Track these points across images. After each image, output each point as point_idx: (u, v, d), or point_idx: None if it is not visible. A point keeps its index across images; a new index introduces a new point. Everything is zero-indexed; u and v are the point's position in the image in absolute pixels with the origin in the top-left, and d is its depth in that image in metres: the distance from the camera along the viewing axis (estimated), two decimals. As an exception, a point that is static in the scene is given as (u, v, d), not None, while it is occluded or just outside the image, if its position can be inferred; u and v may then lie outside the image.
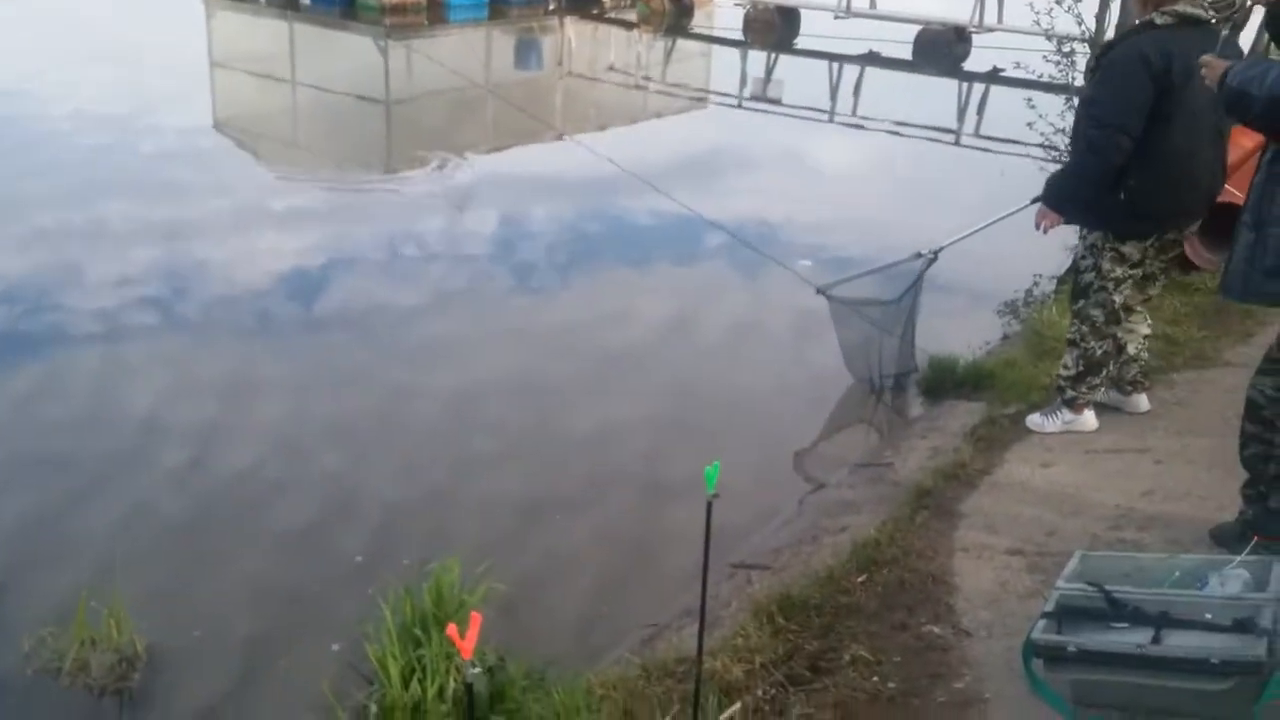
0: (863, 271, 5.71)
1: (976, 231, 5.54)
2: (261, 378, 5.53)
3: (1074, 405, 4.41)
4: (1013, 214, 5.20)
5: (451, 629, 2.02)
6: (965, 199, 9.67)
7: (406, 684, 2.87)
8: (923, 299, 5.91)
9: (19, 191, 8.18)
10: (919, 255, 5.54)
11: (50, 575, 3.80)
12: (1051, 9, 7.60)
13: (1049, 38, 7.85)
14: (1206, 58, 3.16)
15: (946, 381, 5.41)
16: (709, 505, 2.47)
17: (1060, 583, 2.71)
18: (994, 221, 5.40)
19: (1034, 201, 4.55)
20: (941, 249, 5.53)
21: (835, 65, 17.09)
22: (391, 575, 3.58)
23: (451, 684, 2.85)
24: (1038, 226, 4.34)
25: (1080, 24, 7.74)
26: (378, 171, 10.17)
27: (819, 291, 5.50)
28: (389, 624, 3.04)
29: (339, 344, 6.03)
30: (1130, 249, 4.11)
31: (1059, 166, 5.88)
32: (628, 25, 20.22)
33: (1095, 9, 7.78)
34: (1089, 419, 4.42)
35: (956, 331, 6.34)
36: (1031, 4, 7.85)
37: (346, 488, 4.52)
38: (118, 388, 5.32)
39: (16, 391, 5.21)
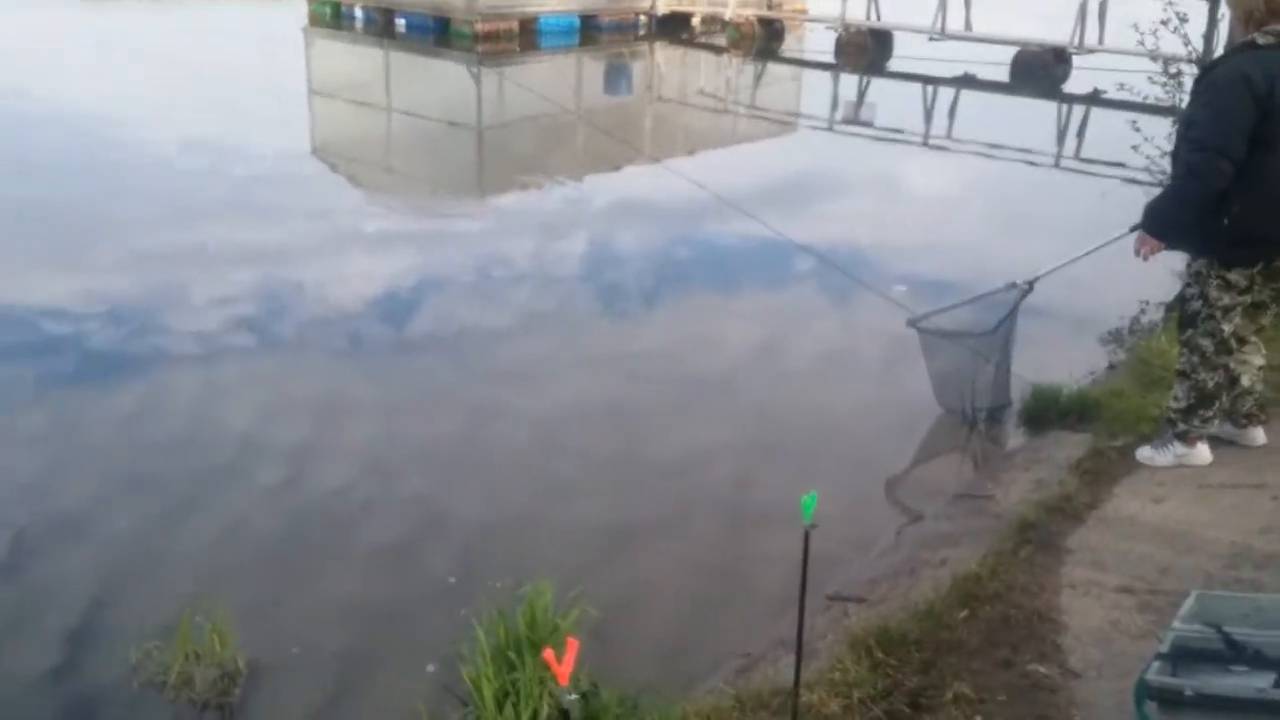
0: (955, 303, 5.56)
1: (1074, 261, 5.37)
2: (354, 398, 5.61)
3: (1186, 438, 4.23)
4: (1112, 242, 5.03)
5: (548, 654, 2.00)
6: (1064, 223, 9.44)
7: (500, 707, 2.86)
8: (1022, 325, 5.76)
9: (122, 214, 8.49)
10: (1013, 285, 5.37)
11: (153, 589, 3.89)
12: (1157, 30, 7.38)
13: (1154, 59, 7.63)
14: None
15: (1049, 411, 5.23)
16: (806, 535, 2.42)
17: (1176, 623, 2.58)
18: (1092, 250, 5.20)
19: (1134, 229, 4.41)
20: (1037, 279, 5.36)
21: (929, 88, 16.91)
22: (483, 596, 3.58)
23: (545, 709, 2.83)
24: (1137, 253, 4.20)
25: (1187, 45, 7.50)
26: (469, 196, 10.34)
27: (910, 324, 5.38)
28: (483, 646, 3.03)
29: (429, 366, 6.10)
30: (1237, 276, 3.94)
31: (1159, 191, 5.70)
32: (717, 50, 20.28)
33: (1203, 29, 7.54)
34: (1203, 453, 4.23)
35: (1058, 359, 6.16)
36: (1136, 25, 7.64)
37: (437, 508, 4.55)
38: (215, 407, 5.43)
39: (119, 410, 5.34)
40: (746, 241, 8.46)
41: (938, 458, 5.35)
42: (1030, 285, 5.30)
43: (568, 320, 6.92)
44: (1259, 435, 4.32)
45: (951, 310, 5.42)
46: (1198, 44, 7.54)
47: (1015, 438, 5.34)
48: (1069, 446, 4.83)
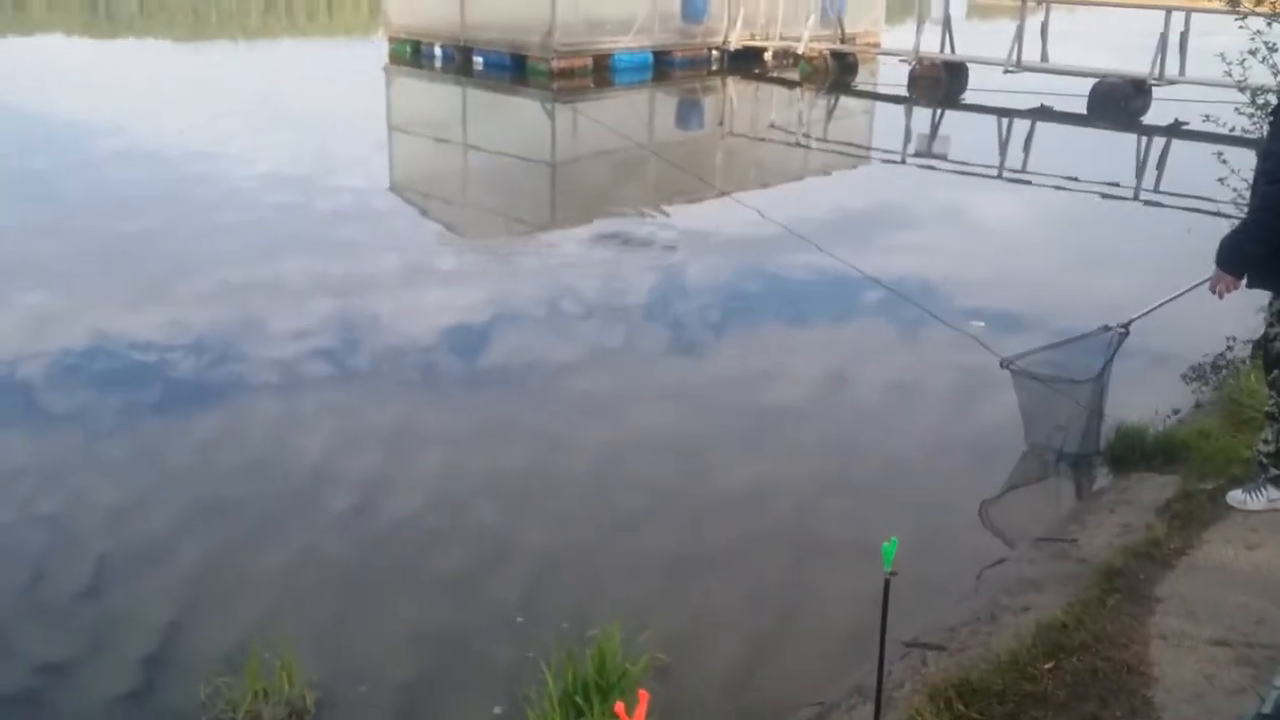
0: (1049, 345, 5.41)
1: (1170, 301, 5.21)
2: (425, 429, 5.67)
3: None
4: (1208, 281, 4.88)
5: (619, 709, 1.97)
6: (1146, 258, 9.22)
7: (568, 752, 2.84)
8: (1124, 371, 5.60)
9: (208, 248, 8.72)
10: (1107, 328, 5.23)
11: (225, 617, 3.94)
12: (1244, 59, 7.18)
13: (1241, 89, 7.41)
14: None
15: (1134, 452, 5.07)
16: (886, 583, 2.36)
17: (1278, 681, 2.46)
18: (1188, 290, 5.05)
19: None
20: (1133, 321, 5.21)
21: (1004, 120, 16.69)
22: (551, 636, 3.57)
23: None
24: (1213, 290, 4.08)
25: (1276, 75, 7.28)
26: (542, 230, 10.43)
27: (1004, 365, 5.26)
28: (550, 690, 3.01)
29: (499, 397, 6.14)
30: None
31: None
32: (790, 84, 20.28)
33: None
34: (1299, 497, 4.07)
35: (1142, 398, 5.98)
36: (1223, 55, 7.44)
37: (506, 543, 4.54)
38: (291, 436, 5.51)
39: (199, 439, 5.44)
40: (817, 274, 8.39)
41: (1018, 498, 5.21)
42: (1126, 329, 5.15)
43: (637, 353, 6.90)
44: (1356, 479, 4.14)
45: (1045, 352, 5.28)
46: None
47: (1099, 479, 5.18)
48: (1156, 489, 4.67)
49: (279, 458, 5.29)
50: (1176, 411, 6.01)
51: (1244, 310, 7.40)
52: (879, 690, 2.42)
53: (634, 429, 5.72)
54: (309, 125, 14.46)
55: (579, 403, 6.07)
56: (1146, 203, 12.08)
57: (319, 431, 5.56)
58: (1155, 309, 5.20)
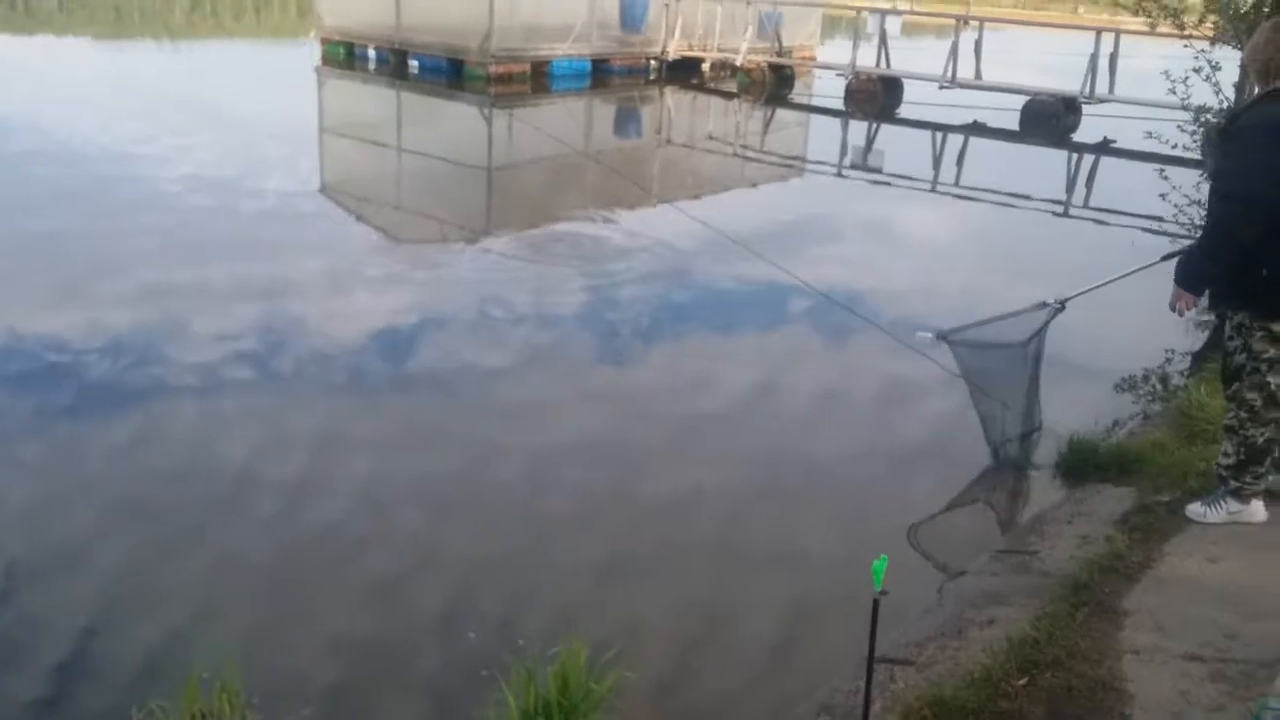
0: (986, 319, 5.42)
1: (1106, 284, 5.27)
2: (354, 434, 5.46)
3: (1240, 495, 4.05)
4: (1144, 269, 4.94)
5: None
6: (1077, 270, 9.32)
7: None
8: (1053, 374, 5.64)
9: (128, 249, 8.35)
10: (1044, 304, 5.28)
11: (147, 630, 3.72)
12: (1187, 77, 7.29)
13: (1185, 108, 7.52)
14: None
15: (1088, 463, 5.04)
16: (875, 604, 2.23)
17: (1273, 702, 2.38)
18: (1124, 275, 5.14)
19: (1165, 258, 4.30)
20: (1069, 299, 5.25)
21: (939, 134, 16.89)
22: (505, 652, 3.39)
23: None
24: (1173, 308, 4.09)
25: (1218, 93, 7.40)
26: (476, 235, 10.20)
27: (940, 337, 5.25)
28: (512, 710, 2.82)
29: (429, 402, 5.98)
30: None
31: (1189, 242, 5.60)
32: (727, 95, 20.32)
33: (1234, 78, 7.45)
34: (1257, 510, 4.05)
35: (1088, 409, 6.00)
36: (1167, 73, 7.54)
37: (442, 551, 4.39)
38: (214, 440, 5.29)
39: (117, 442, 5.23)
40: (753, 282, 8.31)
41: (973, 509, 5.15)
42: (1062, 304, 5.22)
43: (569, 359, 6.74)
44: (1315, 491, 4.14)
45: (983, 325, 5.30)
46: (1229, 94, 7.44)
47: (1053, 489, 5.13)
48: (1112, 501, 4.64)
49: (201, 462, 5.05)
50: (1118, 423, 6.04)
51: (1183, 323, 7.57)
52: (866, 713, 2.29)
53: (564, 434, 5.57)
54: (237, 126, 14.02)
55: (508, 409, 5.89)
56: (1075, 216, 12.28)
57: (243, 436, 5.34)
58: (1094, 289, 5.25)
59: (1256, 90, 3.98)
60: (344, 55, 20.97)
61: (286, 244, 8.85)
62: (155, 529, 4.42)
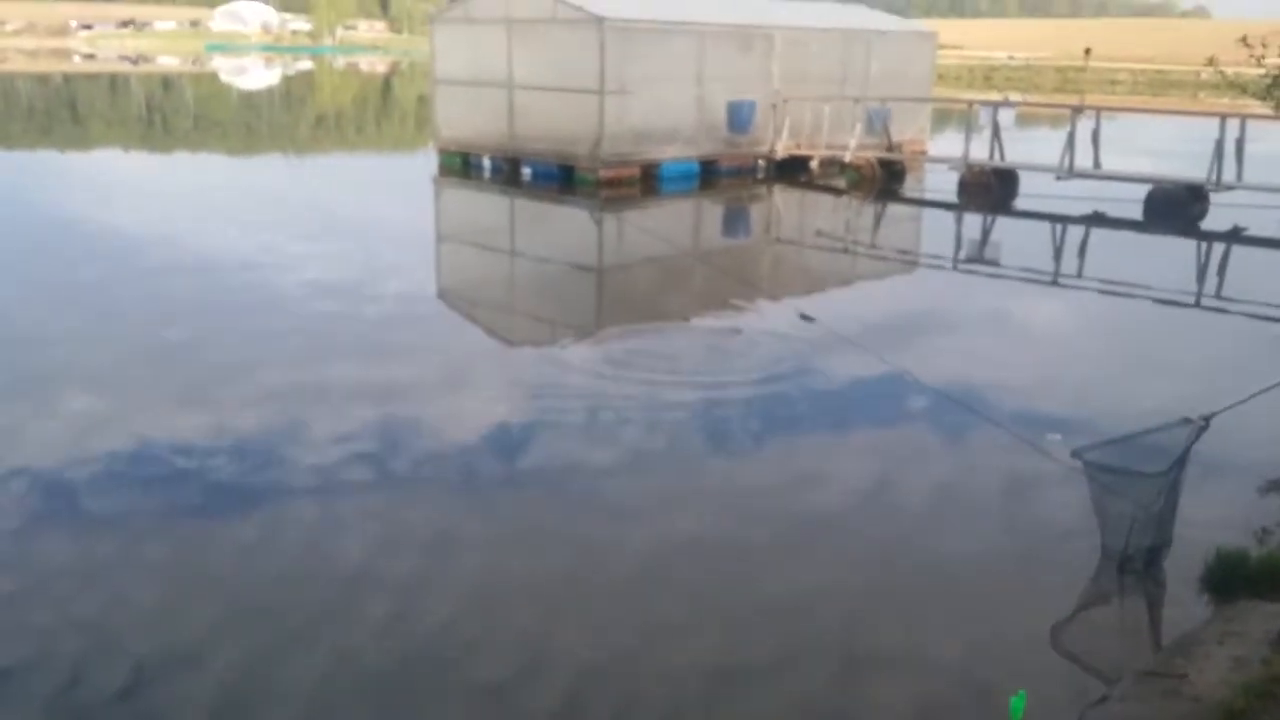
0: (1124, 436, 5.09)
1: (1254, 397, 4.89)
2: (461, 536, 5.52)
3: None
4: None
5: None
6: (1208, 364, 8.85)
7: None
8: (1192, 477, 5.27)
9: (255, 355, 8.69)
10: (1187, 421, 4.91)
11: None
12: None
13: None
14: None
15: (1237, 575, 4.65)
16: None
17: None
18: (1273, 386, 4.75)
19: None
20: (1214, 415, 4.88)
21: (1058, 226, 16.46)
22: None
23: None
24: None
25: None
26: (588, 336, 10.26)
27: (1075, 455, 4.95)
28: None
29: (540, 503, 6.00)
30: None
31: None
32: (836, 191, 20.29)
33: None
34: None
35: (1233, 515, 5.58)
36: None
37: (547, 653, 4.30)
38: (330, 542, 5.43)
39: (239, 543, 5.42)
40: (870, 381, 8.09)
41: (1111, 627, 4.78)
42: (1206, 422, 4.83)
43: (685, 459, 6.66)
44: None
45: (1120, 443, 4.96)
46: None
47: (1198, 606, 4.73)
48: (1266, 619, 4.25)
49: (318, 563, 5.19)
50: (1268, 532, 5.57)
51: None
52: None
53: (680, 536, 5.51)
54: (358, 235, 14.59)
55: (621, 509, 5.88)
56: (1208, 308, 11.69)
57: (356, 537, 5.47)
58: (1242, 402, 4.87)
59: None
60: (460, 165, 21.74)
61: (402, 347, 9.08)
62: (274, 629, 4.55)
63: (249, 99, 47.86)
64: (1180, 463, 4.92)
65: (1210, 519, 5.43)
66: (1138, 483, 4.91)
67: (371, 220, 15.80)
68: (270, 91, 53.57)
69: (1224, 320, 11.08)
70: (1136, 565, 5.03)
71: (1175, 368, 8.91)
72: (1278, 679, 3.56)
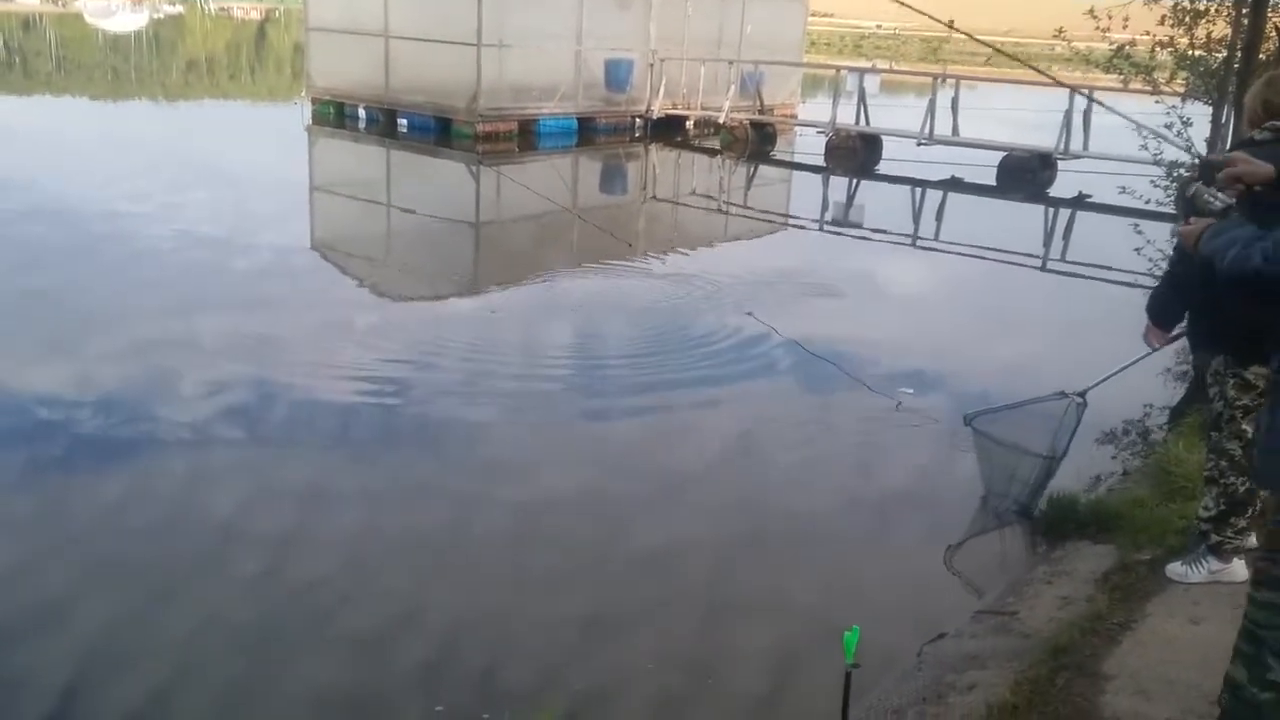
0: (1008, 405, 5.46)
1: (1124, 369, 5.28)
2: (336, 490, 5.51)
3: (1220, 552, 4.06)
4: (1168, 344, 4.93)
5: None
6: (1057, 325, 9.44)
7: None
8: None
9: (120, 305, 8.41)
10: (1063, 395, 5.27)
11: (125, 689, 3.78)
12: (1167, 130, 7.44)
13: (1158, 164, 7.67)
14: (1182, 227, 2.97)
15: (1068, 521, 5.06)
16: (848, 677, 2.23)
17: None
18: (1141, 358, 5.10)
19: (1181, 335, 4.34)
20: (1088, 391, 5.26)
21: (918, 190, 17.11)
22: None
23: None
24: (1146, 342, 4.17)
25: (1190, 149, 7.54)
26: (464, 290, 10.27)
27: (967, 422, 5.31)
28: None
29: (414, 457, 6.02)
30: (1254, 375, 3.83)
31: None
32: (711, 152, 20.57)
33: (1206, 134, 7.59)
34: (1238, 569, 4.05)
35: (1068, 465, 6.03)
36: (1139, 129, 7.71)
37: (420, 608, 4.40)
38: (199, 495, 5.36)
39: (105, 495, 5.30)
40: (739, 337, 8.36)
41: (951, 568, 5.14)
42: (1083, 399, 5.17)
43: (555, 414, 6.75)
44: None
45: (1006, 412, 5.32)
46: (1202, 150, 7.59)
47: (1033, 547, 5.14)
48: (1092, 559, 4.65)
49: (186, 517, 5.10)
50: (1099, 479, 6.05)
51: (1163, 377, 7.63)
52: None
53: (548, 490, 5.62)
54: (229, 184, 14.12)
55: (491, 463, 5.95)
56: (1054, 271, 12.41)
57: (228, 491, 5.41)
58: (1108, 378, 5.25)
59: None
60: (334, 114, 21.19)
61: (275, 299, 8.91)
62: (139, 585, 4.46)
63: (116, 43, 45.23)
64: (1069, 440, 5.25)
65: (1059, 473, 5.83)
66: (1024, 457, 5.23)
67: (242, 170, 15.29)
68: (139, 36, 50.71)
69: (1067, 282, 11.78)
70: (1001, 508, 5.41)
71: (1021, 326, 9.45)
72: (1099, 615, 3.93)
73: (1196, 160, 7.54)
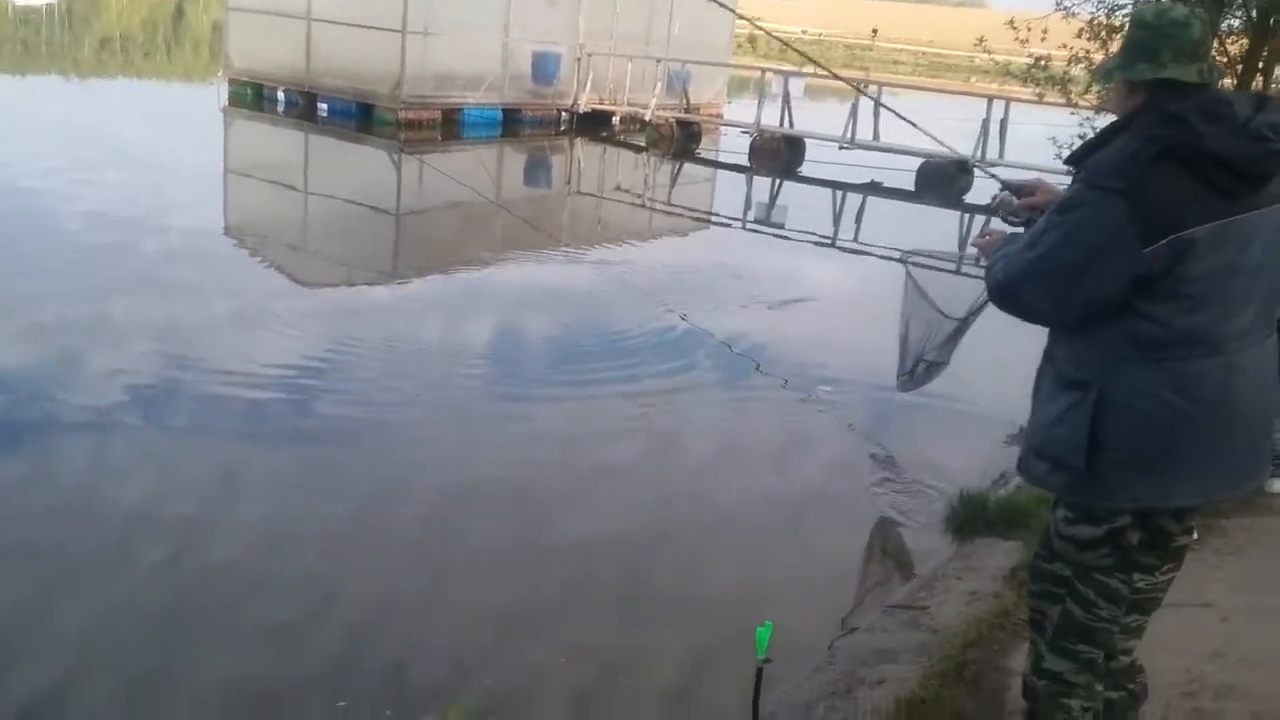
0: (946, 253, 5.62)
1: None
2: (248, 477, 5.38)
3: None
4: None
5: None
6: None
7: None
8: (947, 424, 5.80)
9: (23, 286, 8.07)
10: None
11: (23, 673, 3.66)
12: (1073, 142, 7.64)
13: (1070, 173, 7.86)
14: (978, 240, 2.98)
15: (977, 518, 5.16)
16: (759, 672, 2.22)
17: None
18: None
19: None
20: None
21: (839, 193, 17.33)
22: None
23: None
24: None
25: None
26: (382, 279, 10.10)
27: (901, 259, 5.47)
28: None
29: (326, 447, 5.90)
30: None
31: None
32: (636, 148, 20.58)
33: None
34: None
35: (979, 462, 6.16)
36: (1054, 139, 7.90)
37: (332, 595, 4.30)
38: (102, 482, 5.20)
39: (2, 481, 5.11)
40: (658, 333, 8.36)
41: (862, 563, 5.20)
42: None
43: (469, 406, 6.68)
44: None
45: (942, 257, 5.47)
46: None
47: (944, 544, 5.23)
48: (1000, 555, 4.75)
49: (88, 504, 4.93)
50: (1006, 476, 6.16)
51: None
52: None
53: (467, 482, 5.54)
54: (140, 165, 13.68)
55: (409, 455, 5.86)
56: (968, 275, 12.64)
57: (133, 477, 5.25)
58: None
59: None
60: (252, 96, 20.68)
61: (186, 284, 8.62)
62: (40, 572, 4.32)
63: (24, 16, 43.40)
64: (975, 312, 5.39)
65: (958, 467, 5.96)
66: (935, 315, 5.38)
67: (154, 151, 14.81)
68: (50, 10, 48.76)
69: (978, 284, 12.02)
70: (918, 373, 5.53)
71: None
72: (1007, 612, 4.00)
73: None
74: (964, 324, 5.44)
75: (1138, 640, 2.78)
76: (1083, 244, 2.38)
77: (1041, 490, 5.35)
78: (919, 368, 5.64)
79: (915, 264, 5.49)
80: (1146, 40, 2.47)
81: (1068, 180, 2.60)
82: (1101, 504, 2.50)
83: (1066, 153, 7.79)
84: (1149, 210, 2.31)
